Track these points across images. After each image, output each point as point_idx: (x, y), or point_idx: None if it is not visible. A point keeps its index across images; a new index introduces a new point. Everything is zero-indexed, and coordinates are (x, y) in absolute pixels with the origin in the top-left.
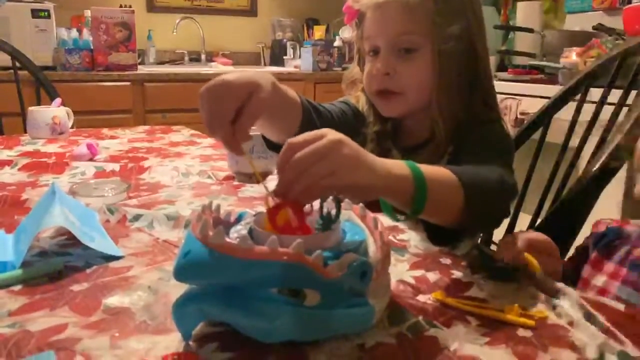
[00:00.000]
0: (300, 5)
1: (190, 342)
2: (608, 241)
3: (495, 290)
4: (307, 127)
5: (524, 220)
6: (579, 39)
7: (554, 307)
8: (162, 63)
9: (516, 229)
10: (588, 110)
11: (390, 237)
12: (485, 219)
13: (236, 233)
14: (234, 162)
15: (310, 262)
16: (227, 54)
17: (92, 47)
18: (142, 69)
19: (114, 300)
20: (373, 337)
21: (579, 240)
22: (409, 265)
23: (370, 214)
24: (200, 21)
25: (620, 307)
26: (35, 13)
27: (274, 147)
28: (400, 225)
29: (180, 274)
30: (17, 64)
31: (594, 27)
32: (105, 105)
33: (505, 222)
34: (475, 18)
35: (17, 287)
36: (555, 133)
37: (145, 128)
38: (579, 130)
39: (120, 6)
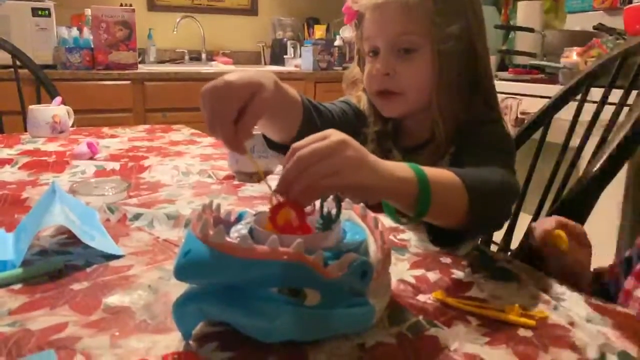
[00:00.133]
0: (301, 5)
1: (191, 342)
2: None
3: (495, 290)
4: (307, 126)
5: (524, 220)
6: (580, 38)
7: (554, 308)
8: (162, 62)
9: (516, 229)
10: (588, 110)
11: (391, 237)
12: (488, 221)
13: (236, 232)
14: (234, 161)
15: (310, 261)
16: (227, 53)
17: (92, 46)
18: (143, 68)
19: (114, 299)
20: (373, 337)
21: None
22: (409, 265)
23: (371, 214)
24: (201, 20)
25: (622, 309)
26: (36, 11)
27: (275, 146)
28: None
29: (181, 273)
30: (18, 63)
31: (594, 27)
32: (106, 104)
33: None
34: (476, 18)
35: (18, 286)
36: (556, 133)
37: (145, 127)
38: (580, 130)
39: (121, 5)
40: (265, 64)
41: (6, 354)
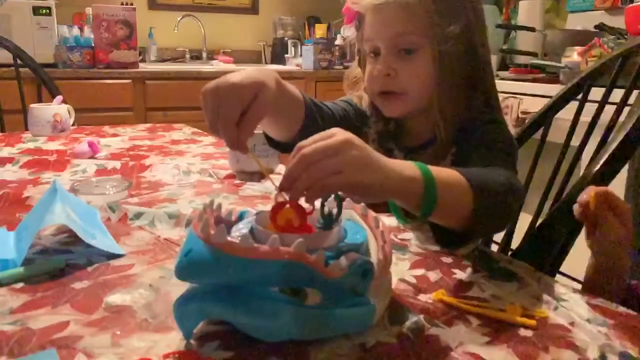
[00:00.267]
0: (302, 4)
1: (192, 341)
2: None
3: (496, 290)
4: (309, 125)
5: (524, 220)
6: (581, 38)
7: (555, 308)
8: (163, 61)
9: (516, 230)
10: (590, 110)
11: (392, 236)
12: (493, 222)
13: (237, 232)
14: (235, 160)
15: (311, 261)
16: (228, 52)
17: (93, 45)
18: (143, 67)
19: (115, 298)
20: (374, 337)
21: (580, 240)
22: (410, 265)
23: (372, 213)
24: (202, 19)
25: (622, 309)
26: (37, 10)
27: (276, 145)
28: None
29: (182, 272)
30: (19, 61)
31: (595, 27)
32: (107, 102)
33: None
34: (476, 17)
35: (19, 285)
36: (557, 133)
37: (146, 126)
38: (580, 130)
39: (122, 4)
40: (266, 63)
41: (7, 353)
